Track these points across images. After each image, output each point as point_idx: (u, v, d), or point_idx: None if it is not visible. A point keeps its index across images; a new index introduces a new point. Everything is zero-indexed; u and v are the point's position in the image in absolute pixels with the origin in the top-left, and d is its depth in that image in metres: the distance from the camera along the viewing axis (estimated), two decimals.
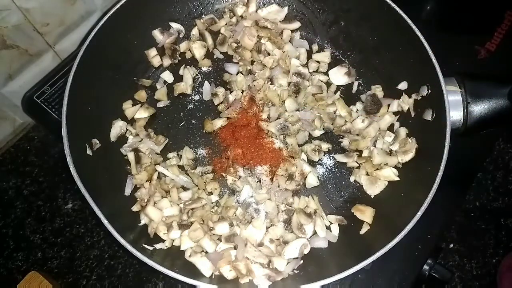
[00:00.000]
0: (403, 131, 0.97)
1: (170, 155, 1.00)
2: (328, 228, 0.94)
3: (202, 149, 1.03)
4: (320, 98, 1.05)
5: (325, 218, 0.94)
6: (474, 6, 1.29)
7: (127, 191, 0.93)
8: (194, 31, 1.13)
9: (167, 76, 1.10)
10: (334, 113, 1.05)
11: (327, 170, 1.02)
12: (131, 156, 0.96)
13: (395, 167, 0.95)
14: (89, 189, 0.80)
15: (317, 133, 1.03)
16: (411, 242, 0.99)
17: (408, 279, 0.97)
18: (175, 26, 1.11)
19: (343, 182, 1.01)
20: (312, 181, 0.97)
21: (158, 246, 0.85)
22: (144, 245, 0.82)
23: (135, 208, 0.91)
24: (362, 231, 0.90)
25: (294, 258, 0.87)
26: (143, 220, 0.90)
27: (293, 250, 0.88)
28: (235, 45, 1.11)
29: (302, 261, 0.87)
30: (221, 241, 0.88)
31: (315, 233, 0.92)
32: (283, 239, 0.91)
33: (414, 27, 0.91)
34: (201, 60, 1.12)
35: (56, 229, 1.07)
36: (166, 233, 0.88)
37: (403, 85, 1.00)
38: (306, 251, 0.89)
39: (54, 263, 1.04)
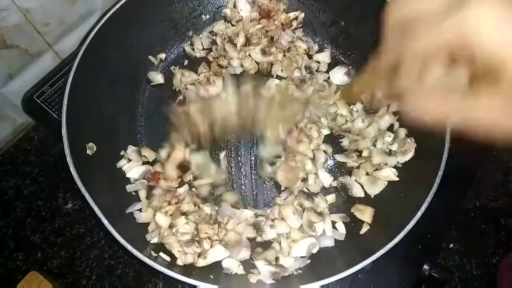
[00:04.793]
0: (402, 131, 0.97)
1: None
2: (334, 227, 0.94)
3: None
4: (323, 97, 1.05)
5: (329, 217, 0.94)
6: None
7: (129, 210, 0.92)
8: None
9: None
10: (335, 113, 1.05)
11: (327, 170, 1.02)
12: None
13: (395, 167, 0.95)
14: (89, 189, 0.80)
15: (325, 132, 1.03)
16: (411, 242, 0.98)
17: (408, 279, 0.97)
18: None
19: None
20: None
21: (163, 255, 0.84)
22: (151, 251, 0.82)
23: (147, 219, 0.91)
24: (362, 231, 0.90)
25: (301, 257, 0.87)
26: (151, 229, 0.89)
27: (301, 249, 0.87)
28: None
29: (309, 261, 0.87)
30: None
31: (322, 232, 0.92)
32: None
33: None
34: None
35: (56, 229, 1.07)
36: (181, 250, 0.85)
37: None
38: (314, 251, 0.89)
39: (54, 263, 1.03)
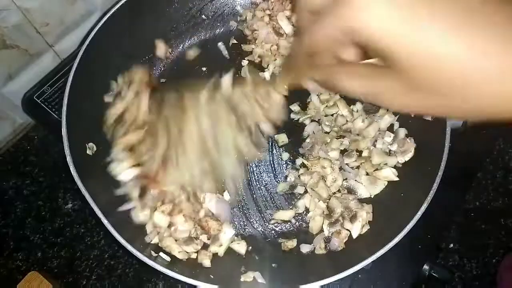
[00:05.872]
0: (402, 132, 0.97)
1: None
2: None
3: None
4: (326, 100, 1.05)
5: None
6: None
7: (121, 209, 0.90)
8: None
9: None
10: (336, 113, 1.05)
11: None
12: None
13: (395, 167, 0.95)
14: (89, 189, 0.80)
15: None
16: (411, 242, 0.99)
17: (408, 279, 0.97)
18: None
19: None
20: None
21: (163, 255, 0.83)
22: (151, 251, 0.82)
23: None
24: (362, 231, 0.90)
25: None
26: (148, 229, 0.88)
27: None
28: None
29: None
30: None
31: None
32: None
33: None
34: None
35: (56, 229, 1.07)
36: (182, 250, 0.85)
37: None
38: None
39: (54, 263, 1.04)
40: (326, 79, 0.51)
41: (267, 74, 1.09)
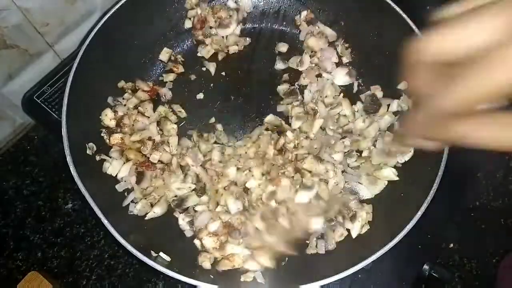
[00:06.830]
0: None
1: None
2: None
3: None
4: (330, 103, 1.05)
5: None
6: None
7: (125, 203, 0.91)
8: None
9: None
10: (338, 113, 1.04)
11: None
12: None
13: (395, 167, 0.95)
14: (89, 189, 0.80)
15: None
16: (411, 242, 0.99)
17: (408, 279, 0.97)
18: None
19: None
20: None
21: (163, 255, 0.84)
22: (152, 251, 0.82)
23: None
24: (362, 231, 0.90)
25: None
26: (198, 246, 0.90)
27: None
28: None
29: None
30: None
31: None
32: None
33: (414, 27, 0.91)
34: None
35: (56, 229, 1.07)
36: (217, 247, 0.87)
37: (403, 85, 1.00)
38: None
39: (54, 263, 1.04)
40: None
41: None
